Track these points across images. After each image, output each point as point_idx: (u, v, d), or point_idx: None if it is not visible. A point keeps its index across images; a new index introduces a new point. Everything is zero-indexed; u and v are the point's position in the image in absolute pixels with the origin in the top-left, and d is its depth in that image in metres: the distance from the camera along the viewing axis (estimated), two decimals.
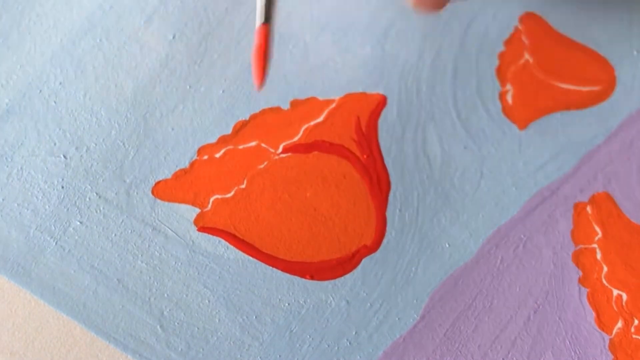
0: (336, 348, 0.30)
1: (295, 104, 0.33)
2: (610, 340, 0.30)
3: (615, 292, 0.31)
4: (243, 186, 0.32)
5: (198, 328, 0.30)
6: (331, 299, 0.30)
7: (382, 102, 0.33)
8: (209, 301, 0.30)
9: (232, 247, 0.31)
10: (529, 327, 0.30)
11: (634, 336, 0.30)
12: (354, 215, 0.32)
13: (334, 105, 0.33)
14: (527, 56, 0.34)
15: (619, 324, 0.30)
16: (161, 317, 0.30)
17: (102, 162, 0.32)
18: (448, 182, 0.32)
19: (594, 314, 0.31)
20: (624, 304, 0.31)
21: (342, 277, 0.31)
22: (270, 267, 0.31)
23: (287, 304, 0.30)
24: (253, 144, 0.32)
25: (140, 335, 0.29)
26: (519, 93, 0.34)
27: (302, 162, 0.32)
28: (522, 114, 0.33)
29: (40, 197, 0.31)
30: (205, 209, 0.31)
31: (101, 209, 0.31)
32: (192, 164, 0.32)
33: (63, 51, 0.33)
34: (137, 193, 0.31)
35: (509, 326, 0.30)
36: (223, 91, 0.33)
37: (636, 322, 0.30)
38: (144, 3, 0.34)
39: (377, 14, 0.35)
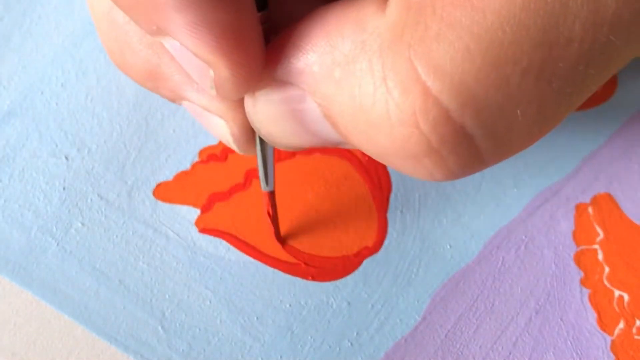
0: (337, 349, 0.30)
1: None
2: (612, 341, 0.30)
3: (617, 293, 0.31)
4: (244, 188, 0.32)
5: (199, 329, 0.30)
6: (332, 300, 0.30)
7: None
8: (210, 302, 0.30)
9: (233, 248, 0.31)
10: (531, 328, 0.30)
11: (635, 337, 0.30)
12: (355, 216, 0.32)
13: None
14: None
15: (621, 325, 0.30)
16: (162, 318, 0.30)
17: (104, 163, 0.32)
18: (449, 183, 0.32)
19: (595, 314, 0.30)
20: (625, 304, 0.31)
21: (344, 278, 0.31)
22: (272, 269, 0.31)
23: (288, 305, 0.30)
24: None
25: (142, 336, 0.29)
26: None
27: (304, 163, 0.32)
28: None
29: (41, 199, 0.31)
30: (207, 211, 0.31)
31: (103, 210, 0.31)
32: (193, 166, 0.32)
33: (65, 53, 0.33)
34: (138, 195, 0.31)
35: (511, 327, 0.30)
36: None
37: (638, 323, 0.30)
38: None
39: None
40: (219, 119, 0.22)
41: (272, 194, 0.29)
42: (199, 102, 0.22)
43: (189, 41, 0.17)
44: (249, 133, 0.22)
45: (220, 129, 0.23)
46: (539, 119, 0.17)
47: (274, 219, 0.30)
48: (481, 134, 0.16)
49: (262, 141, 0.24)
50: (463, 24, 0.15)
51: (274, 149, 0.26)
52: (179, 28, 0.17)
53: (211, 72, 0.18)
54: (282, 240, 0.31)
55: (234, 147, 0.23)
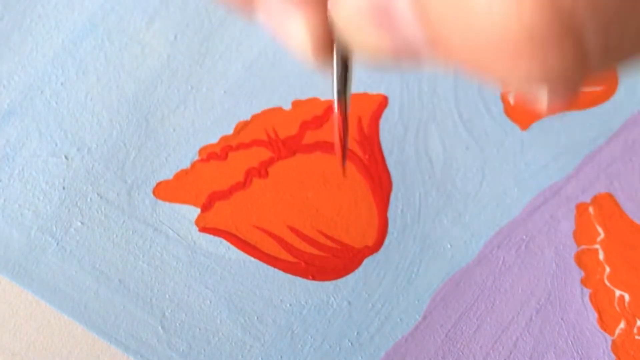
0: (338, 349, 0.30)
1: (296, 104, 0.33)
2: (613, 341, 0.30)
3: (618, 292, 0.31)
4: (244, 187, 0.32)
5: (199, 329, 0.30)
6: (333, 299, 0.30)
7: (384, 102, 0.33)
8: (210, 302, 0.30)
9: (233, 247, 0.31)
10: (531, 328, 0.30)
11: (636, 337, 0.30)
12: (355, 215, 0.32)
13: None
14: None
15: (622, 325, 0.30)
16: (162, 317, 0.30)
17: (104, 162, 0.32)
18: (450, 182, 0.32)
19: (596, 314, 0.30)
20: (626, 304, 0.31)
21: (344, 278, 0.31)
22: (272, 268, 0.31)
23: (288, 305, 0.30)
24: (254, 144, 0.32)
25: (142, 336, 0.29)
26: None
27: (304, 162, 0.32)
28: (524, 114, 0.33)
29: (41, 198, 0.31)
30: (207, 210, 0.31)
31: (102, 209, 0.31)
32: (193, 165, 0.32)
33: (65, 52, 0.33)
34: (138, 194, 0.31)
35: (511, 327, 0.30)
36: (224, 92, 0.33)
37: (638, 322, 0.30)
38: (145, 4, 0.34)
39: None
40: (296, 23, 0.21)
41: (345, 116, 0.28)
42: None
43: None
44: (328, 38, 0.22)
45: (299, 34, 0.22)
46: None
47: (344, 143, 0.29)
48: (592, 28, 0.14)
49: (339, 52, 0.23)
50: None
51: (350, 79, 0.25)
52: None
53: None
54: (344, 168, 0.31)
55: (309, 55, 0.22)
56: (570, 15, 0.15)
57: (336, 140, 0.29)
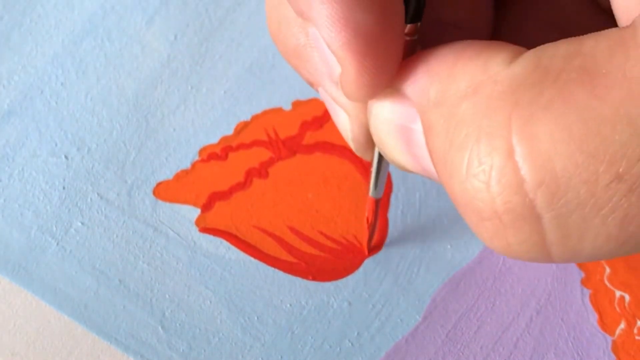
0: (338, 349, 0.30)
1: (297, 104, 0.33)
2: (613, 341, 0.30)
3: (618, 293, 0.31)
4: (245, 187, 0.32)
5: (200, 329, 0.30)
6: (333, 300, 0.30)
7: None
8: (210, 302, 0.30)
9: (233, 247, 0.31)
10: (531, 329, 0.30)
11: (636, 337, 0.30)
12: (355, 216, 0.32)
13: None
14: None
15: (622, 326, 0.30)
16: (163, 318, 0.30)
17: (104, 162, 0.32)
18: None
19: (596, 315, 0.30)
20: (626, 305, 0.31)
21: (344, 278, 0.31)
22: (272, 268, 0.31)
23: (288, 305, 0.30)
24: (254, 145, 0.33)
25: (142, 336, 0.29)
26: None
27: (304, 163, 0.32)
28: None
29: (41, 198, 0.31)
30: (207, 210, 0.31)
31: (102, 209, 0.31)
32: (193, 165, 0.32)
33: (64, 52, 0.33)
34: (138, 194, 0.31)
35: (511, 327, 0.30)
36: (225, 92, 0.33)
37: (639, 323, 0.30)
38: (145, 3, 0.34)
39: None
40: (344, 113, 0.22)
41: (377, 202, 0.28)
42: (330, 92, 0.22)
43: (326, 33, 0.17)
44: (368, 136, 0.22)
45: (343, 124, 0.23)
46: (618, 233, 0.15)
47: (372, 226, 0.30)
48: (549, 219, 0.15)
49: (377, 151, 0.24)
50: (577, 103, 0.14)
51: None
52: (319, 18, 0.17)
53: (339, 69, 0.18)
54: (370, 248, 0.31)
55: (351, 144, 0.23)
56: (529, 204, 0.15)
57: (365, 222, 0.30)
